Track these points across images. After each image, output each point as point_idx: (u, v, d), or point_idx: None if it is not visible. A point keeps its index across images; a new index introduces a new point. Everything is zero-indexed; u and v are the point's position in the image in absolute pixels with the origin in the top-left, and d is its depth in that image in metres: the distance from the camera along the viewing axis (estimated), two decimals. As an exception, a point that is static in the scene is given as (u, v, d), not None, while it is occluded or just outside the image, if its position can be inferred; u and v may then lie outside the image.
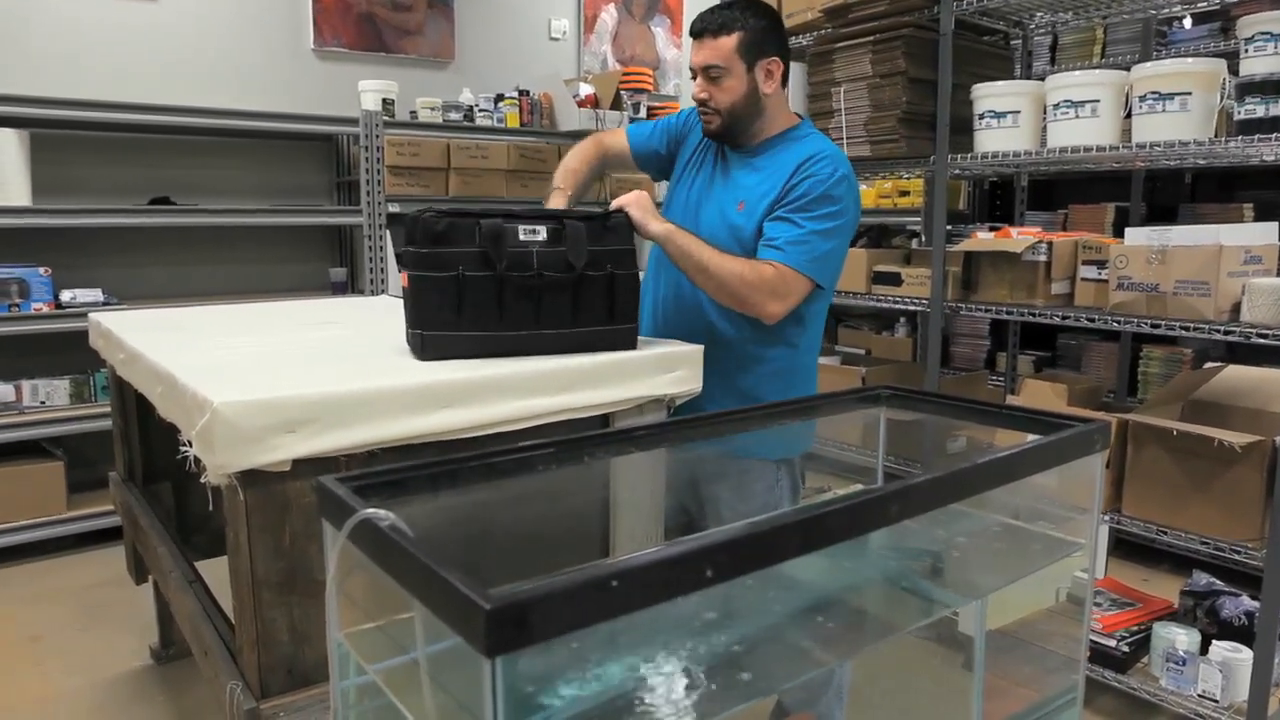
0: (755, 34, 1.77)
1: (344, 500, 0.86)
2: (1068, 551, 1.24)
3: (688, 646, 0.90)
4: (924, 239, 3.62)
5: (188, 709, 2.46)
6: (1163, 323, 2.21)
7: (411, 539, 0.75)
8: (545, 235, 1.59)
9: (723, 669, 0.91)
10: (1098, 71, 2.42)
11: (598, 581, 0.65)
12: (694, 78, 1.83)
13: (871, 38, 2.80)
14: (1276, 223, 2.26)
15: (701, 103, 1.82)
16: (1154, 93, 2.25)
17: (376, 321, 2.21)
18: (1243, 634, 2.25)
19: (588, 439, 1.20)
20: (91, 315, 2.32)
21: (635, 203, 1.71)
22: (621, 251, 1.66)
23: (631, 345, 1.69)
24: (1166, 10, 2.85)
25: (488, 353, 1.58)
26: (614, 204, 1.71)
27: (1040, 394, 2.66)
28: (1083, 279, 2.49)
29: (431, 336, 1.56)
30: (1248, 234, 2.19)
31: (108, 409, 2.68)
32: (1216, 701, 2.15)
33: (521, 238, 1.57)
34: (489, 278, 1.56)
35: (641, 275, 1.73)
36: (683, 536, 1.55)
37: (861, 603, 1.09)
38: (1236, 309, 2.12)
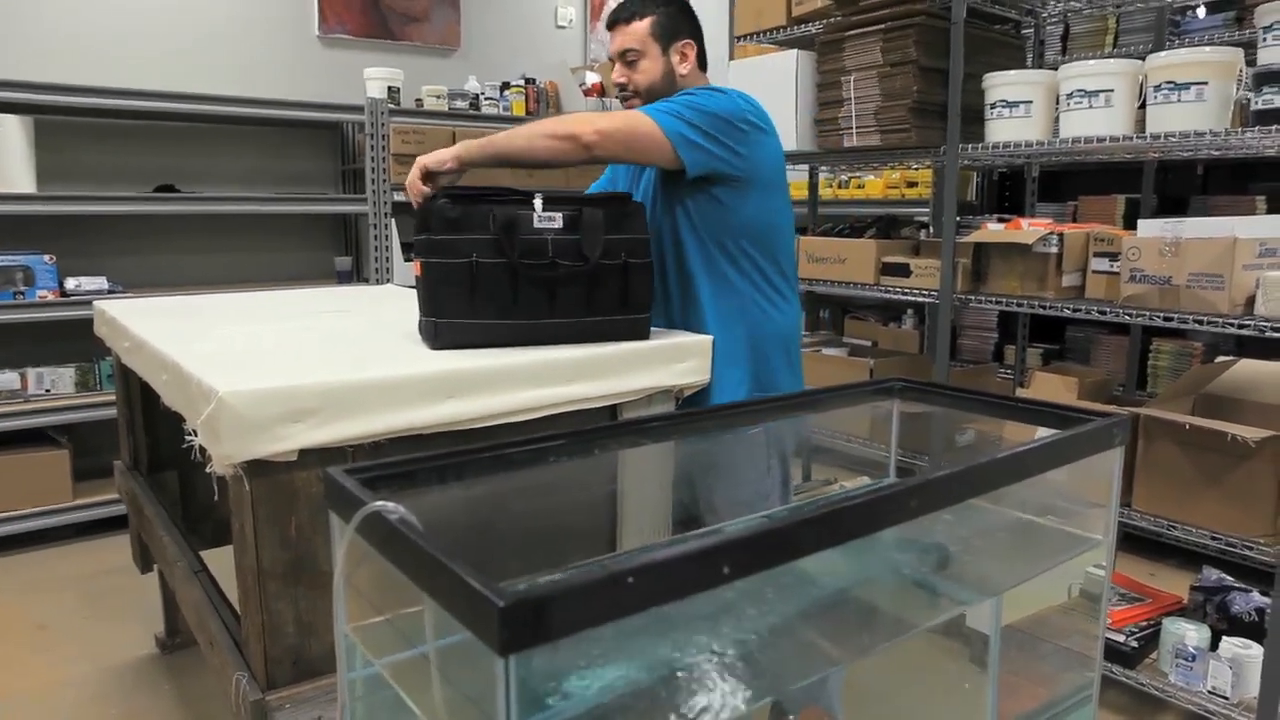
0: (666, 18, 1.87)
1: (352, 493, 0.84)
2: (1084, 547, 1.22)
3: (699, 643, 0.89)
4: (932, 230, 3.59)
5: (193, 698, 2.46)
6: (1175, 316, 2.19)
7: (422, 533, 0.74)
8: (560, 224, 1.57)
9: (734, 666, 0.90)
10: (1113, 60, 2.39)
11: (614, 578, 0.64)
12: (613, 68, 1.92)
13: (882, 26, 2.77)
14: (1292, 215, 2.24)
15: (621, 87, 1.91)
16: (1169, 82, 2.22)
17: (382, 310, 2.19)
18: (1253, 630, 2.23)
19: (596, 430, 1.19)
20: (96, 303, 2.30)
21: (423, 160, 1.69)
22: (636, 240, 1.64)
23: (644, 335, 1.67)
24: (1181, -1, 2.82)
25: (501, 341, 1.57)
26: (414, 177, 1.67)
27: (1050, 387, 2.64)
28: (1094, 271, 2.47)
29: (445, 324, 1.55)
30: (1263, 226, 2.17)
31: (113, 397, 2.67)
32: (1226, 698, 2.13)
33: (536, 225, 1.56)
34: (503, 265, 1.54)
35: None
36: (689, 529, 1.55)
37: (875, 600, 1.07)
38: (1250, 302, 2.09)
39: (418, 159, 1.71)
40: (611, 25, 1.90)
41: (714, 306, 1.83)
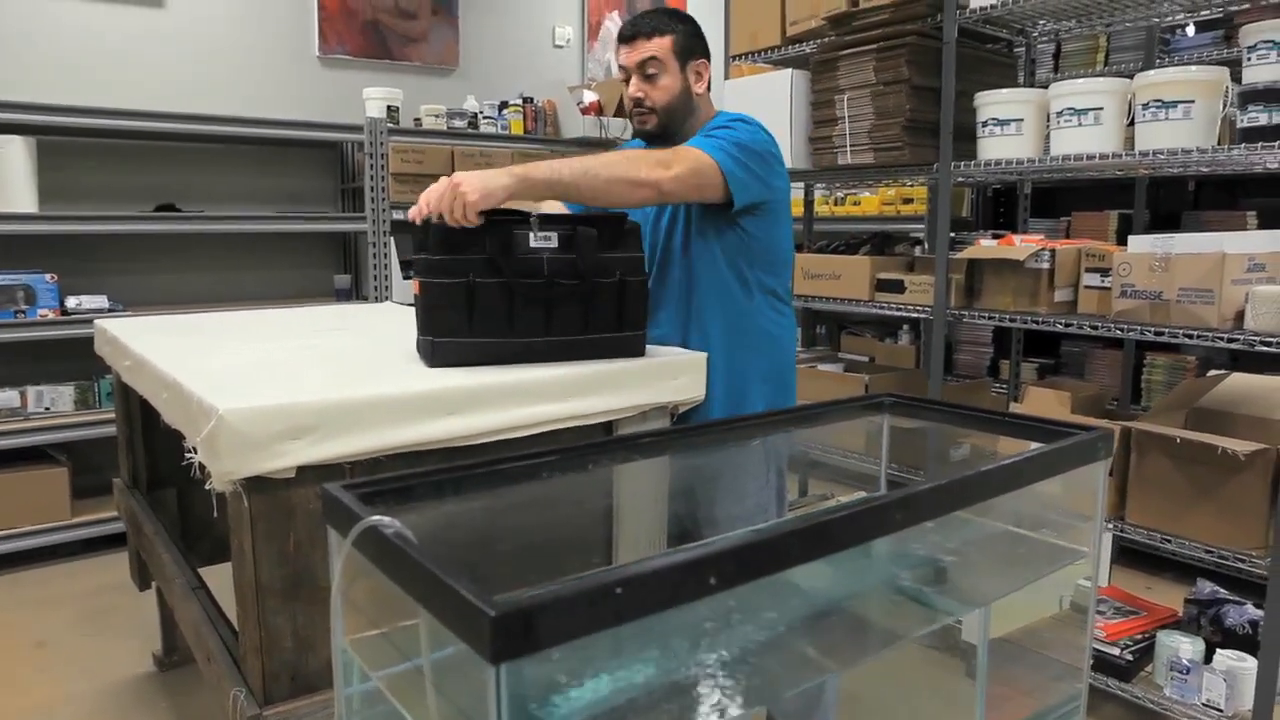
0: (685, 37, 1.87)
1: (350, 508, 0.86)
2: (1071, 559, 1.24)
3: (688, 654, 0.90)
4: (927, 246, 3.62)
5: (191, 715, 2.46)
6: (1166, 330, 2.21)
7: (417, 546, 0.75)
8: (556, 242, 1.59)
9: (724, 676, 0.91)
10: (1101, 79, 2.42)
11: (602, 588, 0.66)
12: (625, 80, 1.89)
13: (875, 45, 2.80)
14: (1280, 230, 2.26)
15: (638, 102, 1.88)
16: (1157, 100, 2.25)
17: (381, 328, 2.21)
18: (1247, 643, 2.24)
19: (591, 446, 1.20)
20: (97, 322, 2.32)
21: (468, 184, 1.50)
22: (631, 259, 1.67)
23: (640, 352, 1.69)
24: (1170, 18, 2.86)
25: (498, 359, 1.58)
26: (449, 191, 1.50)
27: (1044, 401, 2.66)
28: (1086, 286, 2.49)
29: (441, 344, 1.56)
30: (1252, 241, 2.19)
31: (112, 415, 2.68)
32: (1221, 710, 2.14)
33: (532, 244, 1.58)
34: (500, 284, 1.56)
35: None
36: (685, 544, 1.56)
37: (864, 611, 1.09)
38: (1240, 317, 2.11)
39: (460, 187, 1.49)
40: (630, 38, 1.86)
41: (725, 340, 1.85)
